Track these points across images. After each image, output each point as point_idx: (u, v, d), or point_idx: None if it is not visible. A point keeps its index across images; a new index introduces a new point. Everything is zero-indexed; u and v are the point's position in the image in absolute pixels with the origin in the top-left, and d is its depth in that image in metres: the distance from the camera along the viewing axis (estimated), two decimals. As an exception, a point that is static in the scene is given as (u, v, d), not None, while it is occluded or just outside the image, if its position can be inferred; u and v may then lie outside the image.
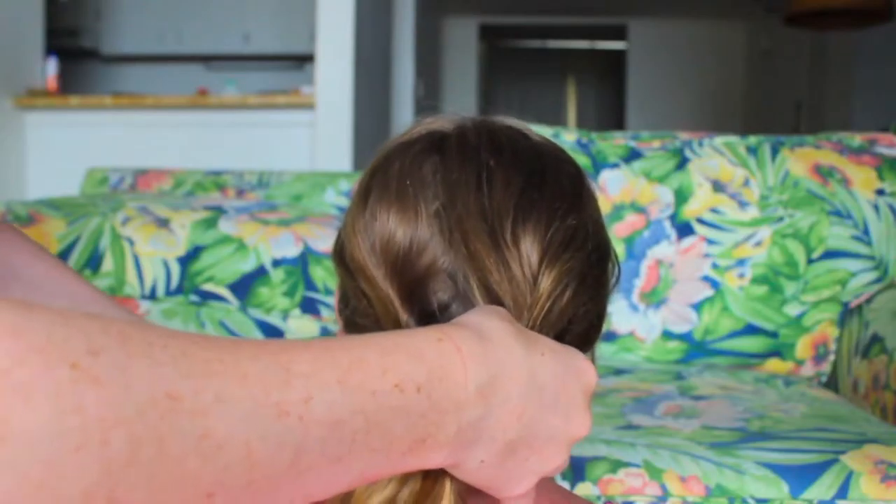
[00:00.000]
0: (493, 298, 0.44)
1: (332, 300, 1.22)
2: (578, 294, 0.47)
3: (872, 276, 1.30)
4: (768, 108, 5.53)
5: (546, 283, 0.45)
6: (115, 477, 0.23)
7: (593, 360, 0.52)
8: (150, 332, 0.26)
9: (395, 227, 0.45)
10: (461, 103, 5.99)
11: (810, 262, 1.30)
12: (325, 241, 1.27)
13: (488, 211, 0.45)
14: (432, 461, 0.35)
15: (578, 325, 0.48)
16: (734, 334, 1.30)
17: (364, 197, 0.48)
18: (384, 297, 0.45)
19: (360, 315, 0.47)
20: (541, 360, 0.39)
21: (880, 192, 1.33)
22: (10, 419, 0.21)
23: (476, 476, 0.38)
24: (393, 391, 0.32)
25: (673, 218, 1.34)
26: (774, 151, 1.37)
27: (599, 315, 0.50)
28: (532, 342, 0.39)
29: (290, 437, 0.28)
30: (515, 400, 0.37)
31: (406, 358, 0.34)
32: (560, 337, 0.47)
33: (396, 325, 0.45)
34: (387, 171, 0.48)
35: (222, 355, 0.27)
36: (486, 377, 0.36)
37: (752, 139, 1.40)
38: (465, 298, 0.44)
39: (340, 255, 0.49)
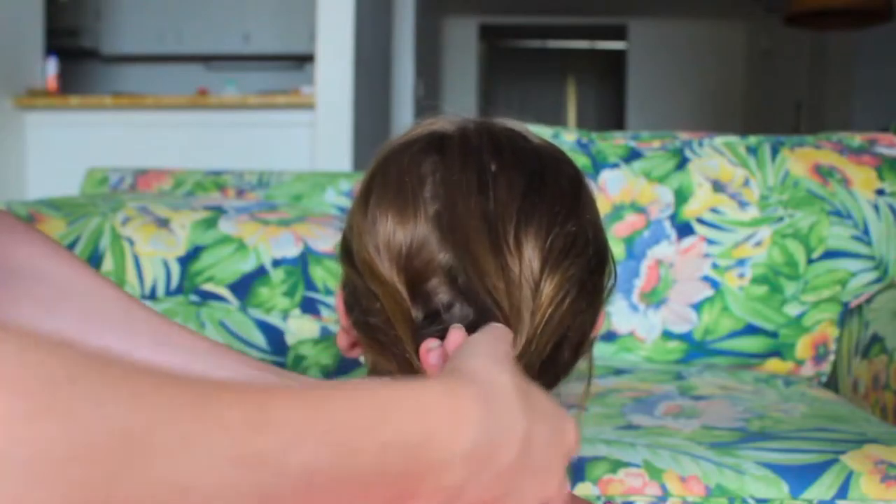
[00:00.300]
0: (493, 302, 0.44)
1: (333, 300, 1.23)
2: (577, 301, 0.47)
3: (872, 276, 1.30)
4: (768, 108, 5.53)
5: (548, 289, 0.45)
6: None
7: (590, 366, 0.52)
8: (121, 366, 0.24)
9: (394, 227, 0.45)
10: (461, 103, 5.99)
11: (810, 262, 1.30)
12: (325, 241, 1.27)
13: (491, 214, 0.45)
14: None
15: (575, 334, 0.48)
16: (734, 334, 1.30)
17: (365, 198, 0.48)
18: (394, 293, 0.45)
19: (372, 315, 0.47)
20: (538, 429, 0.38)
21: (880, 192, 1.33)
22: None
23: (469, 497, 0.37)
24: (379, 450, 0.31)
25: (673, 218, 1.34)
26: (774, 151, 1.37)
27: (593, 322, 0.50)
28: (532, 405, 0.38)
29: (261, 488, 0.27)
30: (504, 462, 0.36)
31: (400, 416, 0.32)
32: (558, 345, 0.47)
33: (408, 320, 0.45)
34: (386, 173, 0.48)
35: (196, 395, 0.26)
36: (477, 444, 0.35)
37: (752, 139, 1.40)
38: (467, 299, 0.44)
39: (349, 255, 0.49)
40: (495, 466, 0.36)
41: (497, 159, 0.47)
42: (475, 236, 0.44)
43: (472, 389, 0.36)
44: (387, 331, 0.46)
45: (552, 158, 0.50)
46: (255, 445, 0.27)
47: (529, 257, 0.45)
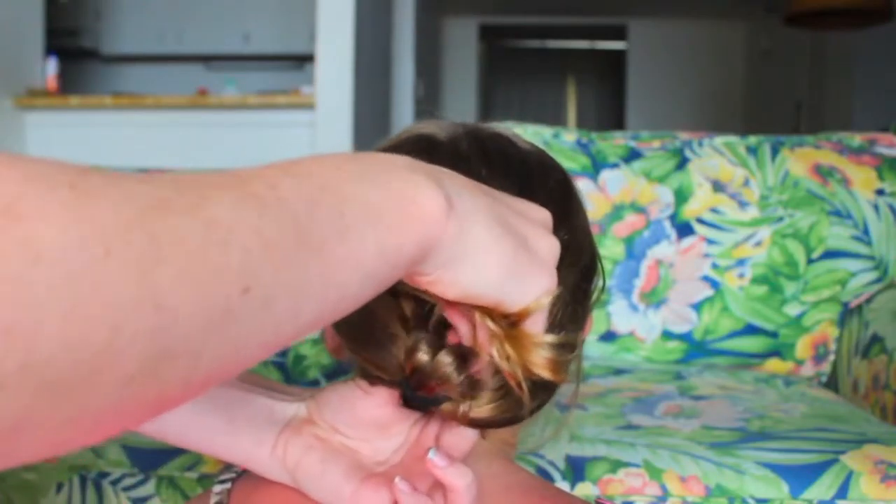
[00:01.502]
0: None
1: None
2: (572, 307, 0.47)
3: (872, 276, 1.30)
4: (768, 108, 5.53)
5: None
6: (151, 277, 0.24)
7: (579, 367, 0.52)
8: (113, 172, 0.27)
9: None
10: (461, 103, 5.98)
11: (810, 262, 1.30)
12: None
13: None
14: (435, 215, 0.35)
15: (570, 339, 0.48)
16: (734, 334, 1.30)
17: None
18: (384, 299, 0.44)
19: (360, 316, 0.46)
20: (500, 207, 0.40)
21: (880, 192, 1.33)
22: (35, 238, 0.21)
23: (496, 256, 0.37)
24: (336, 170, 0.33)
25: (673, 218, 1.34)
26: (774, 151, 1.37)
27: (580, 329, 0.50)
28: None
29: (280, 218, 0.29)
30: (469, 186, 0.37)
31: (328, 155, 0.34)
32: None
33: (404, 326, 0.44)
34: None
35: (181, 177, 0.28)
36: (405, 157, 0.36)
37: (752, 139, 1.40)
38: None
39: None
40: (454, 176, 0.37)
41: (486, 166, 0.47)
42: None
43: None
44: (373, 333, 0.45)
45: (540, 164, 0.50)
46: (250, 187, 0.29)
47: None
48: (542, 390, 0.46)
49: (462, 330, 0.42)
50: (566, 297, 0.45)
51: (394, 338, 0.44)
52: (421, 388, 0.43)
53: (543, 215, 0.41)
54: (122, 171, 0.27)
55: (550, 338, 0.40)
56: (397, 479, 0.42)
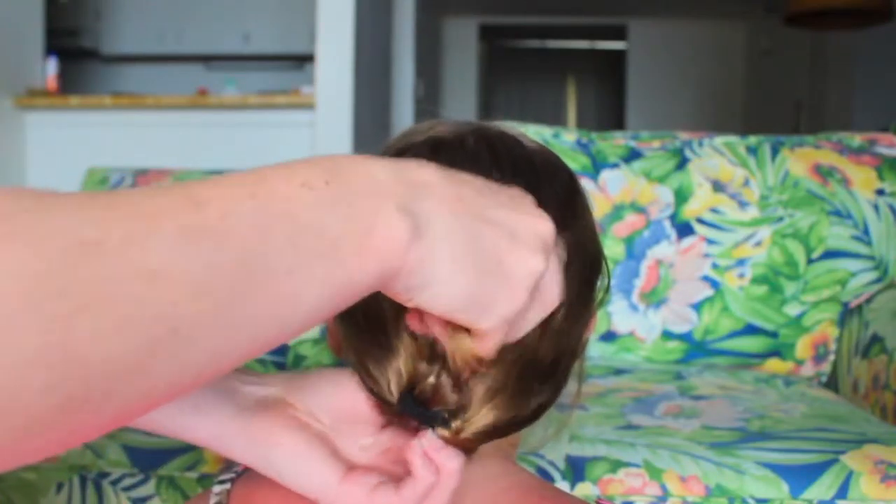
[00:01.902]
0: None
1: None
2: (575, 308, 0.47)
3: (872, 276, 1.30)
4: (768, 108, 5.53)
5: None
6: (63, 327, 0.23)
7: (582, 367, 0.52)
8: (49, 194, 0.26)
9: None
10: (461, 103, 5.98)
11: (810, 262, 1.30)
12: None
13: None
14: (392, 250, 0.33)
15: (574, 340, 0.48)
16: (734, 334, 1.30)
17: None
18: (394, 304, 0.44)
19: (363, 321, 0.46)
20: (452, 171, 0.38)
21: (880, 192, 1.33)
22: None
23: (450, 289, 0.35)
24: (302, 191, 0.31)
25: (673, 218, 1.34)
26: (774, 151, 1.37)
27: (587, 325, 0.50)
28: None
29: (224, 255, 0.28)
30: (441, 185, 0.36)
31: (306, 165, 0.33)
32: (556, 361, 0.46)
33: (410, 338, 0.44)
34: None
35: (121, 200, 0.27)
36: (393, 167, 0.35)
37: (752, 139, 1.40)
38: None
39: None
40: (430, 185, 0.36)
41: (497, 168, 0.47)
42: None
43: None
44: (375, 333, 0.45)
45: (548, 165, 0.50)
46: (195, 219, 0.28)
47: None
48: (545, 387, 0.46)
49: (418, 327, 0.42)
50: (570, 297, 0.45)
51: (396, 349, 0.44)
52: (420, 402, 0.43)
53: (541, 229, 0.39)
54: (72, 194, 0.27)
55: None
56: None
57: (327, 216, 0.32)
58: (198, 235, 0.27)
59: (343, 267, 0.32)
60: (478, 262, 0.36)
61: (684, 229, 1.33)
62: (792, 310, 1.30)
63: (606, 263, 0.52)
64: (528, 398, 0.45)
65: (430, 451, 0.40)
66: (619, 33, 6.39)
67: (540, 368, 0.45)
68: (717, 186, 1.34)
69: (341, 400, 0.44)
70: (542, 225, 0.39)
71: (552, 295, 0.41)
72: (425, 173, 0.36)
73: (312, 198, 0.32)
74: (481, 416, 0.43)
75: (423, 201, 0.35)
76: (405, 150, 0.48)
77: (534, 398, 0.45)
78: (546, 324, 0.43)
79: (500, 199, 0.38)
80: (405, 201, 0.34)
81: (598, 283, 0.50)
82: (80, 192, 0.27)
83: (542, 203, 0.46)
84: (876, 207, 1.32)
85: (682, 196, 1.34)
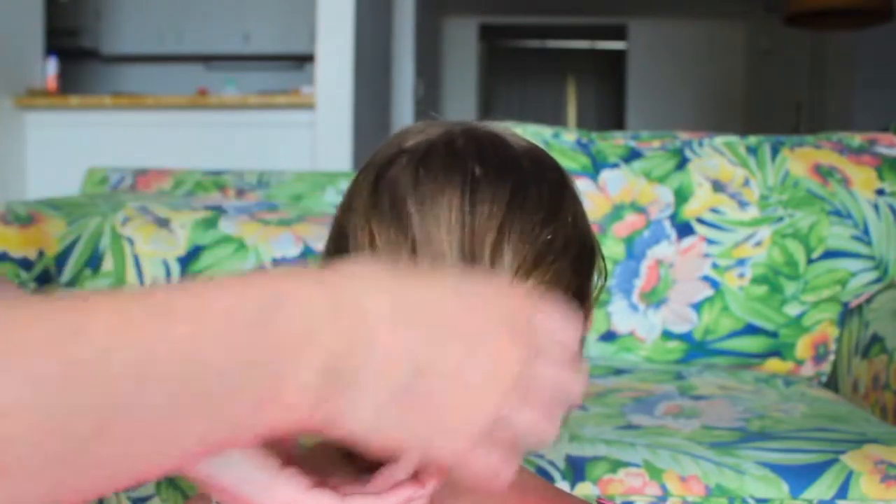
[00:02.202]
0: None
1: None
2: (565, 300, 0.47)
3: (872, 276, 1.30)
4: (768, 108, 5.53)
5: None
6: None
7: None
8: None
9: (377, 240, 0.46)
10: (461, 103, 5.98)
11: (810, 262, 1.30)
12: (325, 241, 1.27)
13: (467, 230, 0.45)
14: (295, 412, 0.30)
15: None
16: (734, 334, 1.30)
17: (347, 212, 0.49)
18: None
19: None
20: (414, 283, 0.33)
21: (880, 192, 1.33)
22: None
23: (378, 434, 0.32)
24: (214, 331, 0.28)
25: (673, 218, 1.34)
26: (774, 151, 1.37)
27: (583, 322, 0.50)
28: (406, 276, 0.34)
29: (88, 399, 0.25)
30: (386, 336, 0.31)
31: (230, 293, 0.29)
32: None
33: None
34: (380, 192, 0.48)
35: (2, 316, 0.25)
36: (338, 299, 0.31)
37: (752, 139, 1.40)
38: None
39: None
40: (379, 321, 0.31)
41: (481, 165, 0.47)
42: (448, 245, 0.44)
43: (301, 269, 0.32)
44: None
45: (535, 163, 0.50)
46: (69, 355, 0.25)
47: (503, 270, 0.45)
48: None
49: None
50: (554, 289, 0.46)
51: None
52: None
53: (503, 366, 0.34)
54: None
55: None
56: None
57: (231, 364, 0.28)
58: (61, 376, 0.24)
59: (232, 422, 0.28)
60: (409, 411, 0.32)
61: (684, 229, 1.33)
62: (792, 310, 1.30)
63: (604, 261, 0.52)
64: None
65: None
66: (619, 33, 6.39)
67: None
68: (717, 186, 1.34)
69: None
70: (506, 358, 0.34)
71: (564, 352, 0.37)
72: (375, 317, 0.31)
73: (218, 343, 0.28)
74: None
75: (355, 357, 0.31)
76: (396, 156, 0.48)
77: None
78: None
79: (459, 334, 0.33)
80: (333, 362, 0.30)
81: (596, 277, 0.51)
82: None
83: (530, 207, 0.46)
84: (876, 207, 1.32)
85: (682, 196, 1.34)
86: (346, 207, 0.49)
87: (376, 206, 0.46)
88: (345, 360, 0.30)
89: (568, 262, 0.47)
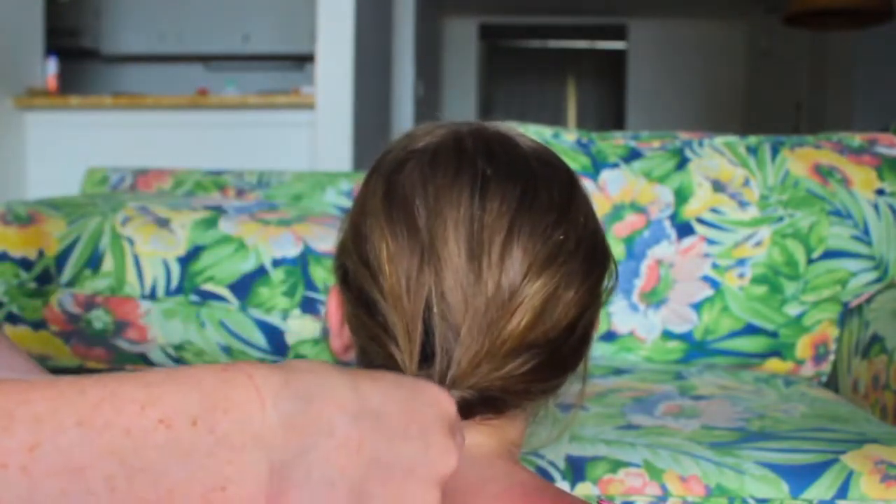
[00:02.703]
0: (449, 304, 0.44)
1: (327, 298, 1.22)
2: (580, 294, 0.47)
3: (872, 276, 1.30)
4: (768, 108, 5.53)
5: (534, 287, 0.45)
6: None
7: (585, 366, 0.52)
8: None
9: (382, 243, 0.46)
10: (461, 103, 5.98)
11: (810, 262, 1.30)
12: (325, 241, 1.27)
13: (476, 227, 0.45)
14: (248, 502, 0.29)
15: (582, 328, 0.48)
16: (734, 334, 1.30)
17: (361, 214, 0.49)
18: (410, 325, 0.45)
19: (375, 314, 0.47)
20: (370, 385, 0.33)
21: (880, 192, 1.33)
22: None
23: None
24: (157, 427, 0.27)
25: (673, 218, 1.34)
26: (774, 151, 1.37)
27: (588, 328, 0.50)
28: (357, 372, 0.34)
29: (12, 493, 0.24)
30: (344, 428, 0.31)
31: (175, 389, 0.28)
32: (566, 337, 0.47)
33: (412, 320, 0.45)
34: (393, 196, 0.48)
35: None
36: (292, 406, 0.30)
37: (752, 139, 1.40)
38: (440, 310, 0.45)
39: (369, 275, 0.48)
40: (332, 430, 0.31)
41: (491, 166, 0.47)
42: (454, 244, 0.45)
43: (260, 365, 0.31)
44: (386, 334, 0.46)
45: (545, 165, 0.50)
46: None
47: (513, 268, 0.45)
48: (550, 373, 0.47)
49: None
50: (568, 285, 0.46)
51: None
52: None
53: (441, 466, 0.34)
54: None
55: None
56: None
57: (175, 464, 0.27)
58: None
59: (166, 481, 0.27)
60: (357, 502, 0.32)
61: (684, 229, 1.33)
62: (792, 310, 1.29)
63: (615, 263, 0.52)
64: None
65: None
66: (619, 33, 6.39)
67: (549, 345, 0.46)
68: (717, 186, 1.34)
69: None
70: (445, 459, 0.34)
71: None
72: (331, 410, 0.31)
73: (163, 439, 0.27)
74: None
75: (307, 454, 0.30)
76: (406, 159, 0.48)
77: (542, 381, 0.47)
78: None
79: (408, 431, 0.33)
80: (284, 456, 0.29)
81: (606, 278, 0.51)
82: None
83: (539, 208, 0.47)
84: (876, 207, 1.32)
85: (682, 196, 1.34)
86: (361, 210, 0.49)
87: (389, 210, 0.47)
88: (297, 457, 0.30)
89: (578, 262, 0.47)
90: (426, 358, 0.45)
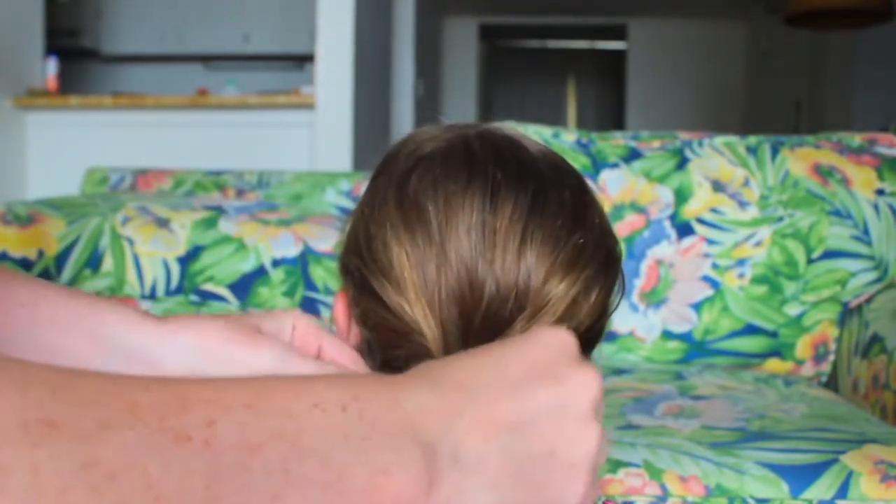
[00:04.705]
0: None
1: (333, 300, 1.22)
2: (602, 297, 0.47)
3: (872, 276, 1.30)
4: (768, 108, 5.53)
5: (560, 288, 0.45)
6: None
7: None
8: (31, 365, 0.24)
9: (399, 248, 0.46)
10: (461, 103, 5.98)
11: (810, 262, 1.30)
12: (325, 241, 1.27)
13: (487, 231, 0.45)
14: (414, 497, 0.30)
15: (600, 331, 0.49)
16: (734, 334, 1.30)
17: (371, 221, 0.49)
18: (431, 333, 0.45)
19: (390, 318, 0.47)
20: (481, 357, 0.35)
21: (880, 192, 1.33)
22: None
23: None
24: (314, 412, 0.28)
25: (673, 218, 1.34)
26: (774, 151, 1.37)
27: (601, 329, 0.50)
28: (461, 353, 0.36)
29: (197, 463, 0.25)
30: (470, 405, 0.32)
31: (317, 380, 0.30)
32: (589, 340, 0.47)
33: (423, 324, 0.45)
34: (388, 201, 0.48)
35: (108, 385, 0.25)
36: (423, 393, 0.32)
37: (752, 139, 1.40)
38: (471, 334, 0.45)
39: (379, 267, 0.48)
40: (477, 410, 0.32)
41: (501, 171, 0.47)
42: (477, 249, 0.45)
43: (409, 376, 0.32)
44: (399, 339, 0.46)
45: (554, 169, 0.50)
46: (176, 421, 0.26)
47: (531, 270, 0.45)
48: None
49: None
50: (591, 287, 0.46)
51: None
52: None
53: (587, 445, 0.35)
54: (48, 367, 0.25)
55: None
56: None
57: (337, 446, 0.28)
58: (165, 443, 0.25)
59: (344, 497, 0.28)
60: (521, 485, 0.33)
61: (684, 229, 1.33)
62: (792, 310, 1.30)
63: (623, 276, 0.52)
64: None
65: None
66: (619, 33, 6.39)
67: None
68: (717, 186, 1.34)
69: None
70: (588, 437, 0.36)
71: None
72: (456, 396, 0.32)
73: (323, 422, 0.29)
74: None
75: (452, 433, 0.31)
76: (415, 165, 0.48)
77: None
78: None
79: (538, 402, 0.34)
80: (432, 437, 0.31)
81: (616, 283, 0.51)
82: (59, 367, 0.25)
83: (552, 211, 0.47)
84: (876, 207, 1.32)
85: (682, 196, 1.34)
86: (372, 219, 0.48)
87: (403, 220, 0.46)
88: (444, 436, 0.31)
89: (596, 267, 0.47)
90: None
